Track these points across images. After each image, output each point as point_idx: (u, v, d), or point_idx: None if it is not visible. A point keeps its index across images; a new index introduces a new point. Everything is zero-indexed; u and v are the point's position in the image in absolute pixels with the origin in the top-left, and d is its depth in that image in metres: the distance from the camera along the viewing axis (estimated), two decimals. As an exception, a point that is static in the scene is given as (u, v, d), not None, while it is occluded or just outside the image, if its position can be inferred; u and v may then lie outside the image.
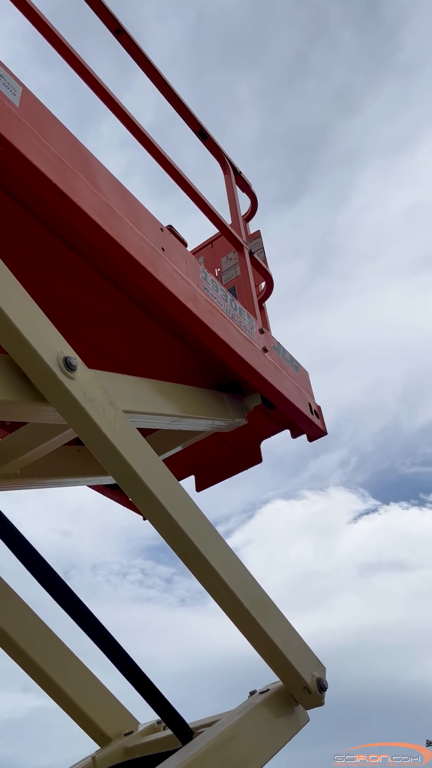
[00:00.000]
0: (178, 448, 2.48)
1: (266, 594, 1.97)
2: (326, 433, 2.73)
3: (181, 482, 2.33)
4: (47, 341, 1.61)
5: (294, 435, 2.79)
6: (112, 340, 2.28)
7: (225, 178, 3.35)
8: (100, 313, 2.19)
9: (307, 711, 1.98)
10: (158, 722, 2.42)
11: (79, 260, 2.03)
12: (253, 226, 3.62)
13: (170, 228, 2.34)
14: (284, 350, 2.78)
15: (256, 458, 2.87)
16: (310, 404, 2.71)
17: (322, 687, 1.94)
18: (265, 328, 2.75)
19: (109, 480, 2.53)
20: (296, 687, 1.92)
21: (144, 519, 3.13)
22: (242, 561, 1.99)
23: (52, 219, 1.88)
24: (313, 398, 2.79)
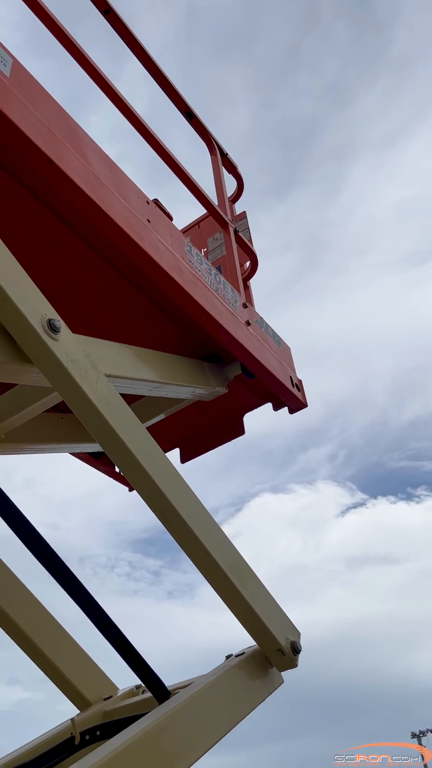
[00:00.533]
0: (161, 416, 2.55)
1: (244, 559, 2.02)
2: (306, 406, 2.82)
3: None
4: (32, 303, 1.66)
5: (276, 408, 2.88)
6: (96, 310, 2.35)
7: (211, 159, 3.42)
8: (85, 283, 2.26)
9: (282, 674, 2.02)
10: (137, 687, 2.49)
11: (67, 230, 2.09)
12: (240, 209, 3.69)
13: (156, 201, 2.41)
14: (267, 325, 2.86)
15: (239, 430, 2.95)
16: (291, 377, 2.80)
17: (295, 650, 1.99)
18: (249, 303, 2.83)
19: (92, 448, 2.60)
20: (271, 649, 1.98)
21: (130, 490, 3.21)
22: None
23: (40, 187, 1.95)
24: (295, 372, 2.87)
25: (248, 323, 2.64)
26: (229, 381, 2.55)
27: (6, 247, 1.67)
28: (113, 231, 2.05)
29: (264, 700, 1.96)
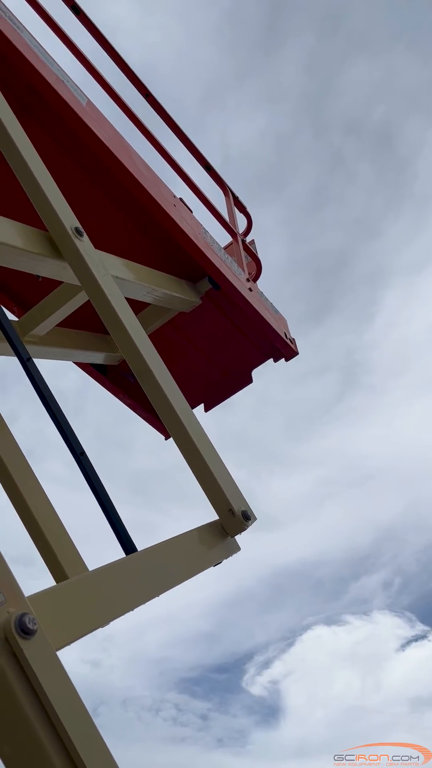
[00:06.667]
0: (158, 323, 3.42)
1: (207, 436, 2.34)
2: (298, 353, 3.68)
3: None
4: (66, 215, 2.47)
5: (276, 359, 3.74)
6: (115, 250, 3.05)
7: (226, 200, 4.53)
8: (110, 232, 3.18)
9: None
10: None
11: (113, 205, 3.13)
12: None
13: (181, 199, 3.46)
14: (266, 298, 3.79)
15: (247, 381, 3.82)
16: (285, 333, 3.69)
17: (246, 516, 2.21)
18: (253, 287, 3.78)
19: (99, 358, 3.45)
20: (223, 511, 2.19)
21: (166, 438, 4.02)
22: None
23: (102, 176, 3.01)
24: (289, 332, 3.76)
25: (250, 290, 3.59)
26: (202, 294, 3.39)
27: (54, 183, 2.51)
28: (151, 204, 3.08)
29: (220, 562, 2.19)
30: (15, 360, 2.53)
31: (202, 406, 3.98)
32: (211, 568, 2.23)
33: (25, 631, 1.28)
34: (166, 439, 3.98)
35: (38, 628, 1.31)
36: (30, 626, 1.29)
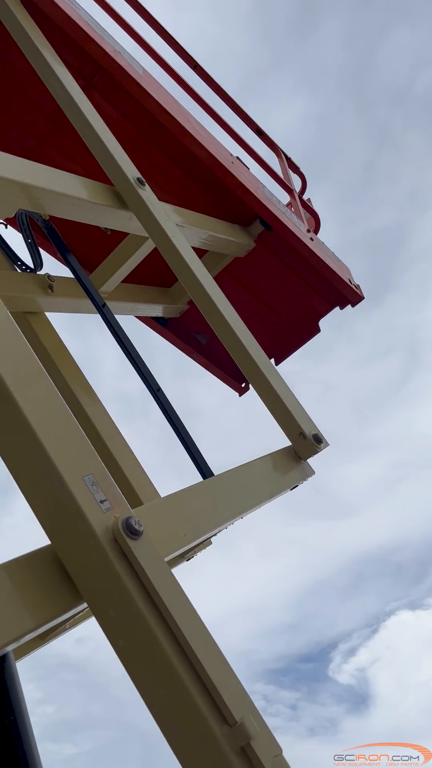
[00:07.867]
0: (215, 271, 3.54)
1: (276, 369, 2.45)
2: (363, 297, 3.75)
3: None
4: (128, 167, 2.62)
5: (342, 306, 3.82)
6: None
7: (279, 162, 4.62)
8: (171, 188, 3.38)
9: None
10: None
11: (180, 172, 3.30)
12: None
13: (238, 158, 3.60)
14: (328, 248, 3.88)
15: (315, 330, 3.91)
16: (350, 279, 3.76)
17: (318, 439, 2.26)
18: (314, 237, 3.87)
19: (157, 311, 3.66)
20: (294, 435, 2.24)
21: (240, 395, 4.16)
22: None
23: (163, 138, 3.17)
24: (353, 279, 3.83)
25: (311, 239, 3.68)
26: (254, 237, 3.49)
27: (116, 140, 2.69)
28: (212, 161, 3.23)
29: (296, 486, 2.25)
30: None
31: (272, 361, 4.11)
32: (288, 492, 2.27)
33: (133, 532, 1.38)
34: (240, 395, 4.13)
35: (144, 531, 1.40)
36: (137, 527, 1.39)
